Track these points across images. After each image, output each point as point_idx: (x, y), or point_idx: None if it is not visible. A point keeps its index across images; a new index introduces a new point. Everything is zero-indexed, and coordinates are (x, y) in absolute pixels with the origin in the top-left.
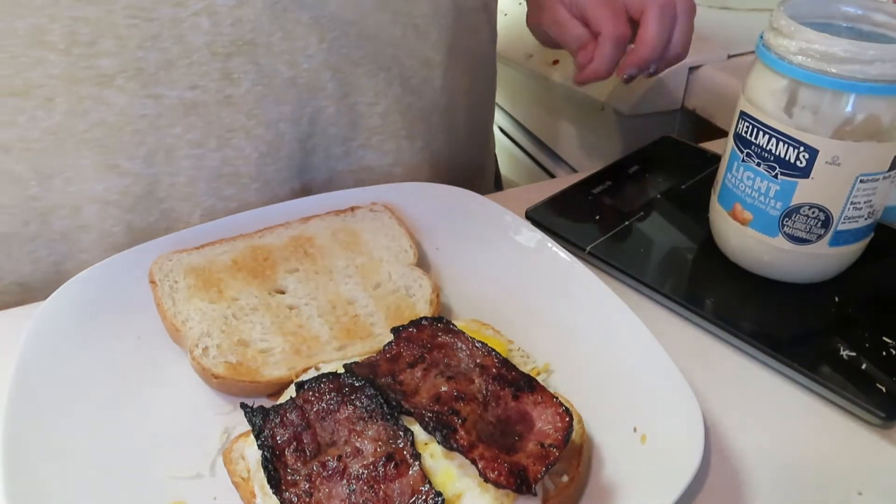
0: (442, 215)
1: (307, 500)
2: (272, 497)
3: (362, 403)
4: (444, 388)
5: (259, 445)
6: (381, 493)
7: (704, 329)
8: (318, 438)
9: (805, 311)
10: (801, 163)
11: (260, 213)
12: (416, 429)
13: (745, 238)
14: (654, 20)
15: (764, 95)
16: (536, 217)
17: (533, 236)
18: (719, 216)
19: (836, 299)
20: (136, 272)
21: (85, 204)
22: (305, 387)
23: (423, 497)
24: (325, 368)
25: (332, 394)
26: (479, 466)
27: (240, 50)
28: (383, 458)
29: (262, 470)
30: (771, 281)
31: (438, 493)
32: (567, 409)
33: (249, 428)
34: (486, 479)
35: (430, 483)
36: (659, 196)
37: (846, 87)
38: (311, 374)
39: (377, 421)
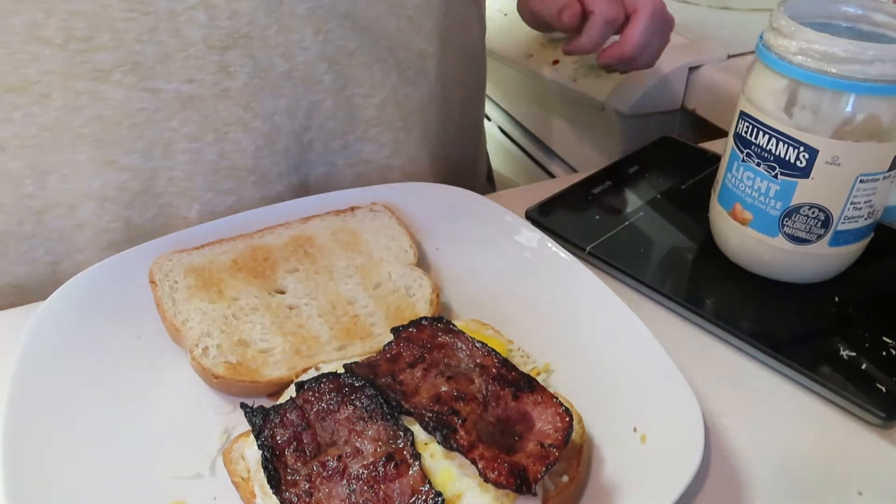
0: (442, 215)
1: (307, 500)
2: (272, 497)
3: (362, 403)
4: (444, 388)
5: (259, 445)
6: (381, 493)
7: (704, 329)
8: (318, 438)
9: (805, 311)
10: (801, 163)
11: (260, 213)
12: (416, 429)
13: (745, 238)
14: (643, 20)
15: (764, 95)
16: (536, 217)
17: (533, 236)
18: (719, 216)
19: (836, 299)
20: (136, 272)
21: (81, 201)
22: (305, 387)
23: (423, 497)
24: (325, 368)
25: (332, 394)
26: (479, 466)
27: (236, 43)
28: (383, 458)
29: (262, 470)
30: (771, 281)
31: (438, 493)
32: (567, 409)
33: (249, 428)
34: (486, 479)
35: (430, 483)
36: (659, 196)
37: (846, 87)
38: (311, 374)
39: (377, 421)
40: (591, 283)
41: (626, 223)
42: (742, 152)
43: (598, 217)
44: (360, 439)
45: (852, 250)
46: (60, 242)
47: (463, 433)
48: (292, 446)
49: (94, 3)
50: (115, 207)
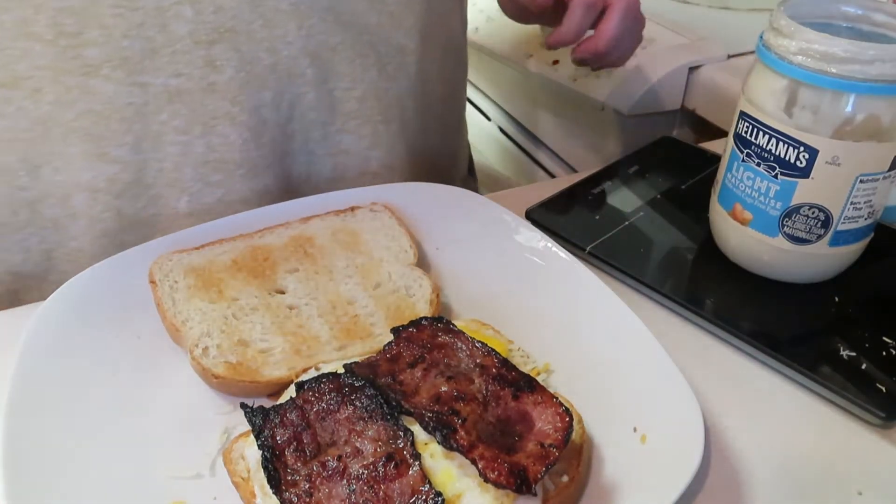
0: (442, 215)
1: (307, 500)
2: (272, 497)
3: (362, 403)
4: (444, 388)
5: (259, 445)
6: (381, 493)
7: (704, 329)
8: (318, 438)
9: (805, 311)
10: (801, 163)
11: (260, 213)
12: (416, 429)
13: (745, 238)
14: (617, 15)
15: (764, 95)
16: (536, 217)
17: (533, 236)
18: (719, 216)
19: (836, 299)
20: (136, 272)
21: (74, 192)
22: (305, 387)
23: (423, 497)
24: (325, 368)
25: (332, 394)
26: (479, 466)
27: (222, 37)
28: (383, 458)
29: (262, 470)
30: (771, 281)
31: (438, 493)
32: (567, 409)
33: (249, 428)
34: (486, 479)
35: (430, 483)
36: (659, 196)
37: (846, 87)
38: (311, 374)
39: (377, 421)
40: (591, 283)
41: (626, 223)
42: (742, 152)
43: (598, 217)
44: (360, 439)
45: (852, 250)
46: (54, 231)
47: (463, 433)
48: (292, 446)
49: None
50: (107, 198)
